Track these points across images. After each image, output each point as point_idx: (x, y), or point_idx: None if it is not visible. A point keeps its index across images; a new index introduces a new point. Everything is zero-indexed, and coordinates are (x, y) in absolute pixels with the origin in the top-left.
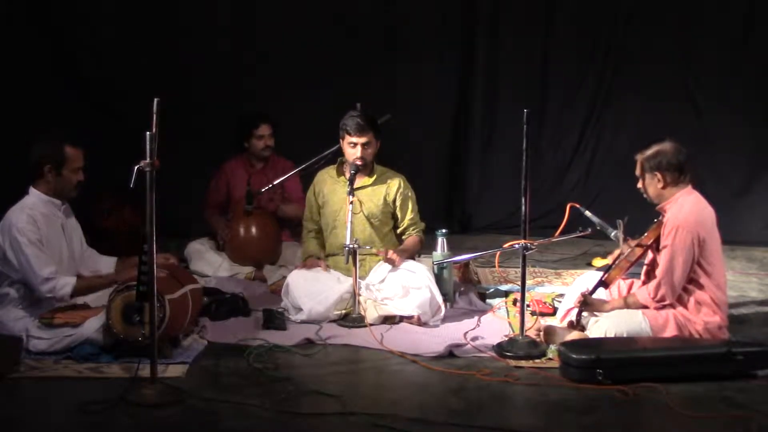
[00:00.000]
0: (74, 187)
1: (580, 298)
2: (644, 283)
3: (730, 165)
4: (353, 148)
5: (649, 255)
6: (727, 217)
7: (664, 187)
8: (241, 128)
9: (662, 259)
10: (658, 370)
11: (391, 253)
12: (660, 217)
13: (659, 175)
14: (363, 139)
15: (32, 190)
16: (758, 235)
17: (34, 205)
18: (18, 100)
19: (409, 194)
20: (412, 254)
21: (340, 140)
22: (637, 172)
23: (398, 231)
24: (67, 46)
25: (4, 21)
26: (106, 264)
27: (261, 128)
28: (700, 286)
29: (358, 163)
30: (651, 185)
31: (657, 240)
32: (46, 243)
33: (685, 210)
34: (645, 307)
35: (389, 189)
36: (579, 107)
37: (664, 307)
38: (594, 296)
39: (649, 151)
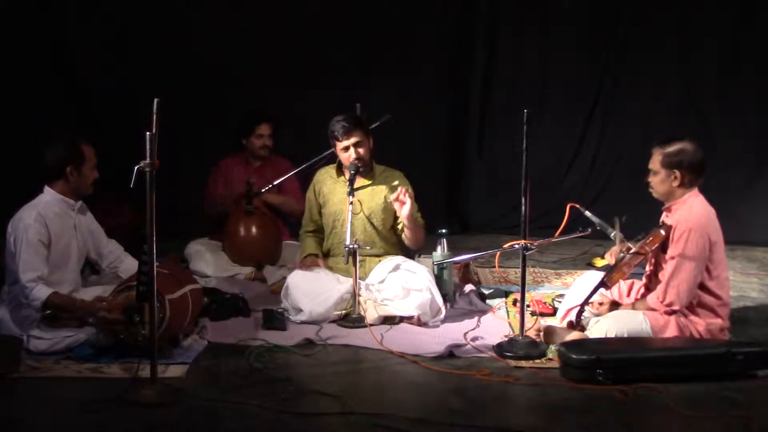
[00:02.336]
0: (91, 185)
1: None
2: (646, 286)
3: (730, 165)
4: (346, 151)
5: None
6: (727, 217)
7: (679, 186)
8: (241, 125)
9: (673, 264)
10: (658, 370)
11: (401, 192)
12: (663, 219)
13: (677, 173)
14: (352, 140)
15: (47, 189)
16: (758, 235)
17: (48, 203)
18: (17, 100)
19: (409, 191)
20: (417, 227)
21: (333, 148)
22: (653, 166)
23: (400, 227)
24: (67, 45)
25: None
26: (132, 264)
27: (261, 127)
28: (704, 289)
29: (358, 164)
30: (665, 182)
31: (662, 244)
32: (55, 242)
33: (695, 212)
34: (651, 308)
35: (390, 188)
36: (579, 107)
37: (673, 312)
38: (594, 296)
39: (672, 148)
